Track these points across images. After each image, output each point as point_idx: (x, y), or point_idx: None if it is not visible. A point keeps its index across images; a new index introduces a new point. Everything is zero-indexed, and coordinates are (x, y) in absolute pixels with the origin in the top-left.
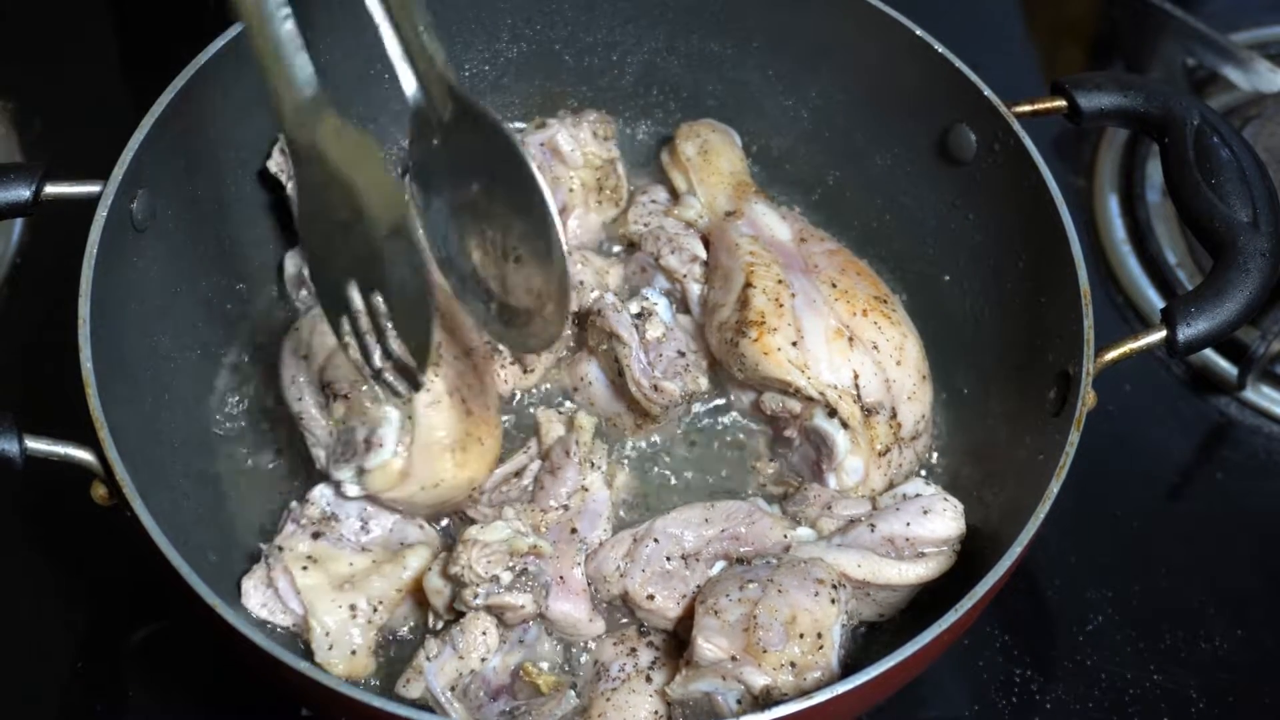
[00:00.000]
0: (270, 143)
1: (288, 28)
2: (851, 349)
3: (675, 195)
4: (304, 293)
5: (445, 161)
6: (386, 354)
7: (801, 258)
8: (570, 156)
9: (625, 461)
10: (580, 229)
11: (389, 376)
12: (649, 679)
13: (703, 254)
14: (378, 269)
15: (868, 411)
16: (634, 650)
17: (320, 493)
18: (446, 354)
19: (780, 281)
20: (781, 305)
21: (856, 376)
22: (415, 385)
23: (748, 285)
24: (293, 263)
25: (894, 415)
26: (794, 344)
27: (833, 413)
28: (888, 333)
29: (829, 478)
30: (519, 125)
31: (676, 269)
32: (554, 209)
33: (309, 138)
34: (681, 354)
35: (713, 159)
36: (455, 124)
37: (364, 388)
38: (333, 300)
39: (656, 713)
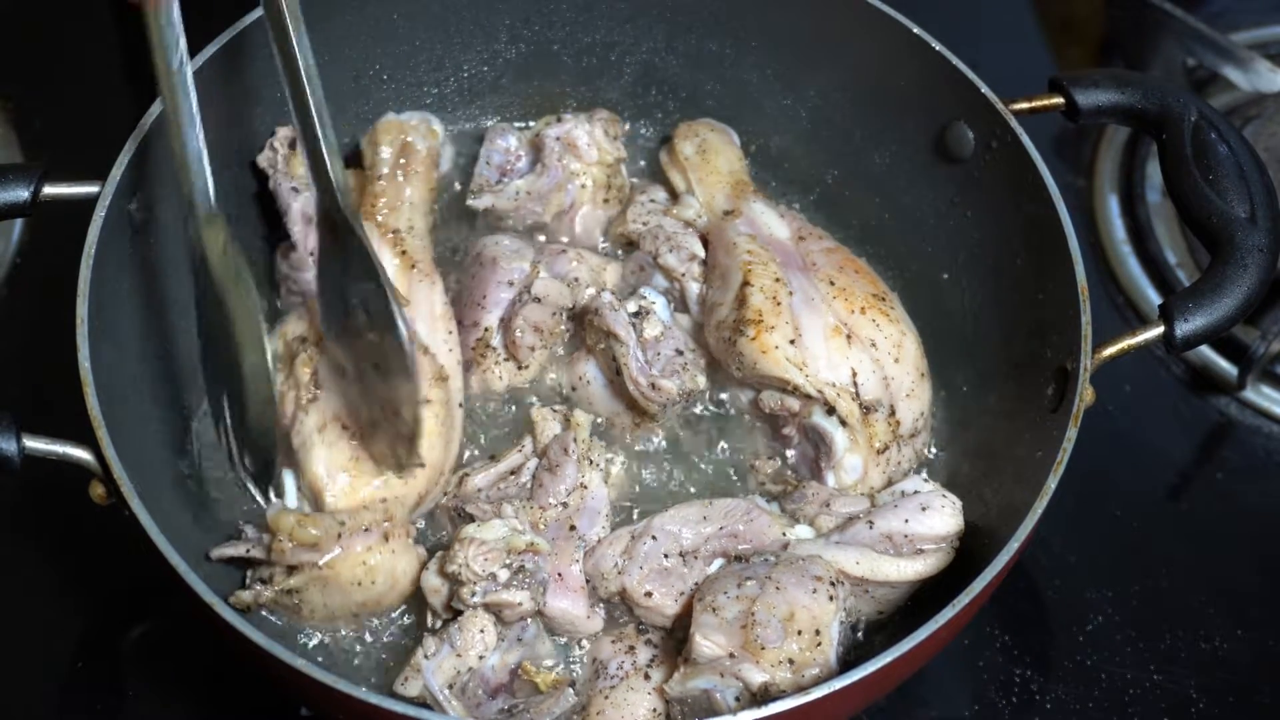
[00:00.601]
0: (266, 137)
1: (197, 148)
2: (850, 346)
3: (674, 195)
4: (284, 290)
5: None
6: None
7: (800, 256)
8: (586, 152)
9: (623, 459)
10: (584, 226)
11: (248, 482)
12: (647, 676)
13: (701, 253)
14: (236, 384)
15: (866, 409)
16: (632, 648)
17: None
18: (325, 380)
19: (778, 280)
20: (779, 303)
21: (855, 374)
22: (265, 498)
23: (745, 284)
24: (279, 258)
25: (892, 413)
26: (792, 342)
27: (831, 410)
28: (886, 330)
29: (828, 475)
30: (522, 124)
31: (675, 268)
32: (409, 350)
33: (202, 246)
34: (679, 352)
35: (711, 158)
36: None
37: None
38: (212, 396)
39: (655, 710)
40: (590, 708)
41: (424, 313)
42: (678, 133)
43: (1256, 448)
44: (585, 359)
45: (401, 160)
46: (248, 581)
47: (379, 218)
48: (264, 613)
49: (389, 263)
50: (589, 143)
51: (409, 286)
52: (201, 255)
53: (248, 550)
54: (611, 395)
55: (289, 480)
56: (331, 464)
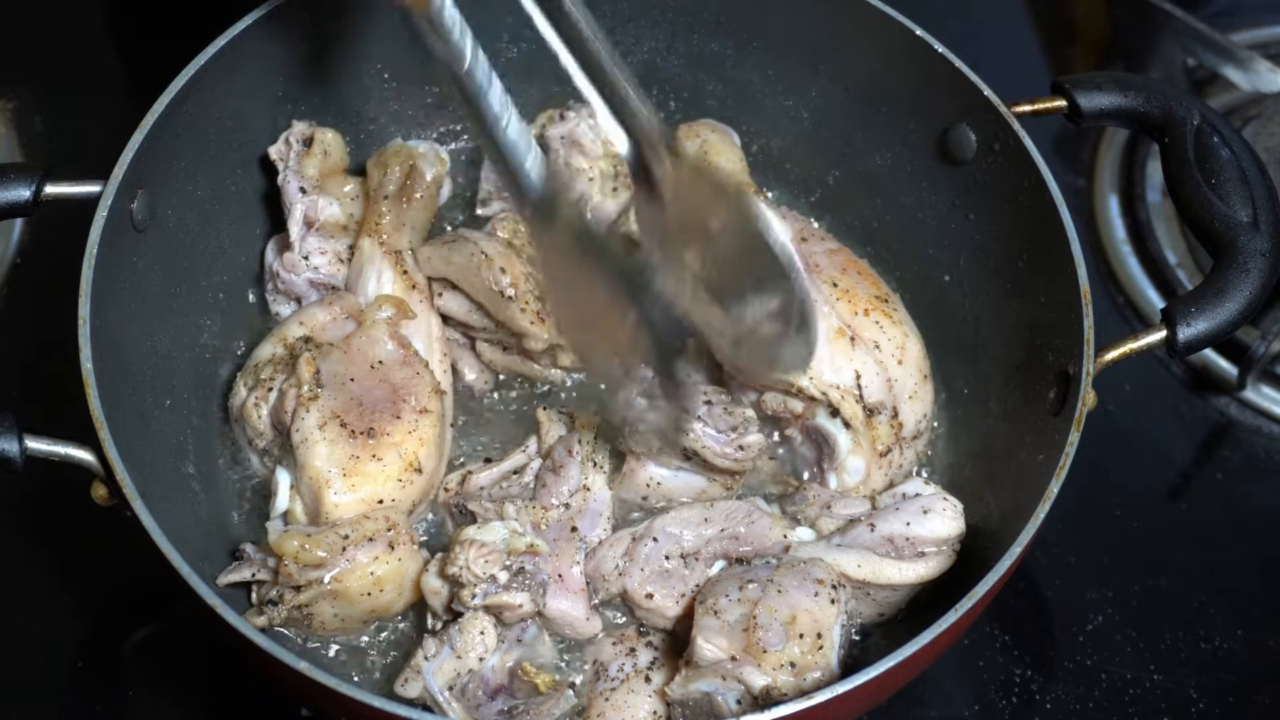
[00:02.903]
0: (279, 130)
1: (511, 140)
2: (853, 348)
3: None
4: (271, 286)
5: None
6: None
7: (803, 257)
8: (591, 148)
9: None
10: (595, 218)
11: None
12: (648, 679)
13: None
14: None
15: (869, 411)
16: (633, 650)
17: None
18: (327, 380)
19: None
20: None
21: (858, 376)
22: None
23: None
24: (272, 252)
25: (895, 415)
26: None
27: (835, 412)
28: (889, 332)
29: (830, 477)
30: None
31: None
32: (794, 263)
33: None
34: (710, 402)
35: (712, 159)
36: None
37: (273, 444)
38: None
39: (655, 713)
40: (590, 710)
41: (422, 332)
42: (679, 134)
43: (1256, 448)
44: (641, 465)
45: (407, 184)
46: (254, 601)
47: (383, 237)
48: (290, 632)
49: (388, 281)
50: (593, 138)
51: (410, 306)
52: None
53: (253, 574)
54: (690, 477)
55: (283, 479)
56: (332, 461)
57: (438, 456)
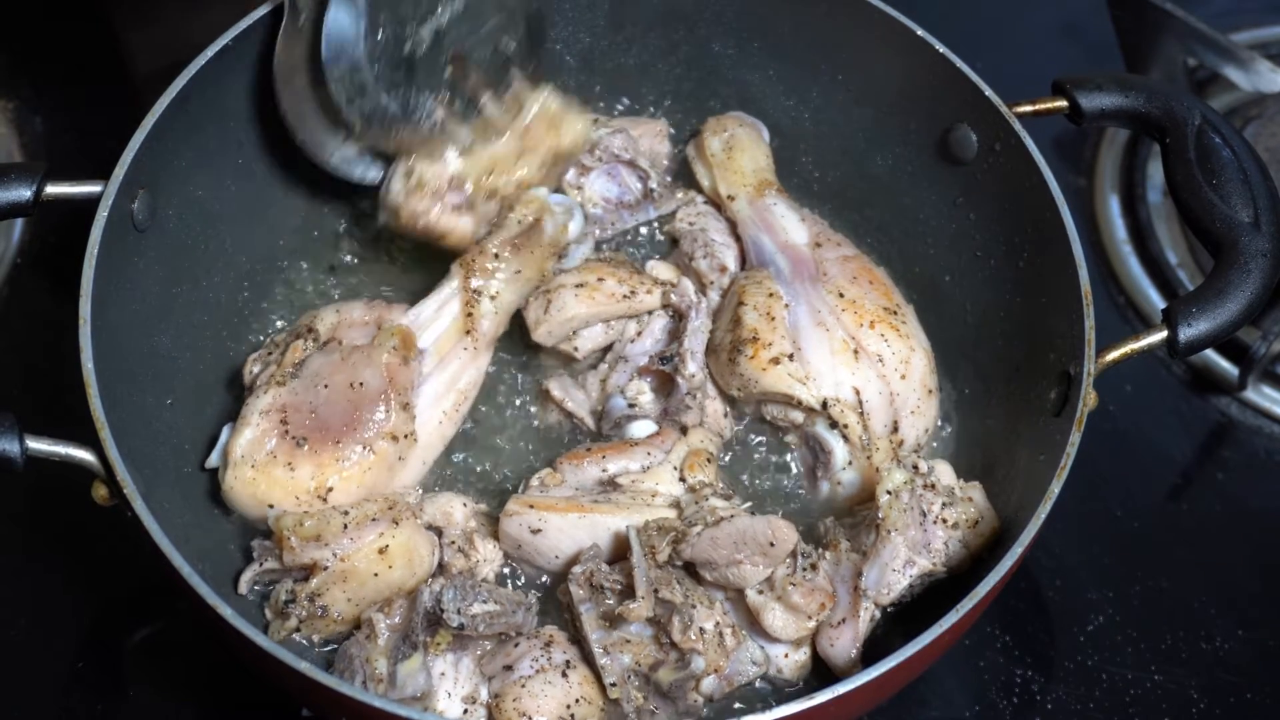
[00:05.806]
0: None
1: None
2: (856, 361)
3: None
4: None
5: None
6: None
7: (814, 263)
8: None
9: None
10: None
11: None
12: (564, 674)
13: (732, 266)
14: None
15: (869, 426)
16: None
17: None
18: (306, 373)
19: (771, 295)
20: (773, 318)
21: (859, 391)
22: None
23: (739, 303)
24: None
25: (895, 429)
26: (790, 356)
27: (834, 424)
28: (895, 346)
29: (822, 485)
30: None
31: (705, 274)
32: None
33: None
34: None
35: (736, 156)
36: None
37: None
38: None
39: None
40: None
41: (446, 377)
42: (706, 127)
43: (1257, 448)
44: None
45: (526, 233)
46: (271, 612)
47: (474, 269)
48: (297, 637)
49: (449, 314)
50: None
51: (451, 346)
52: None
53: (262, 563)
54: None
55: (224, 435)
56: (250, 446)
57: (357, 498)
